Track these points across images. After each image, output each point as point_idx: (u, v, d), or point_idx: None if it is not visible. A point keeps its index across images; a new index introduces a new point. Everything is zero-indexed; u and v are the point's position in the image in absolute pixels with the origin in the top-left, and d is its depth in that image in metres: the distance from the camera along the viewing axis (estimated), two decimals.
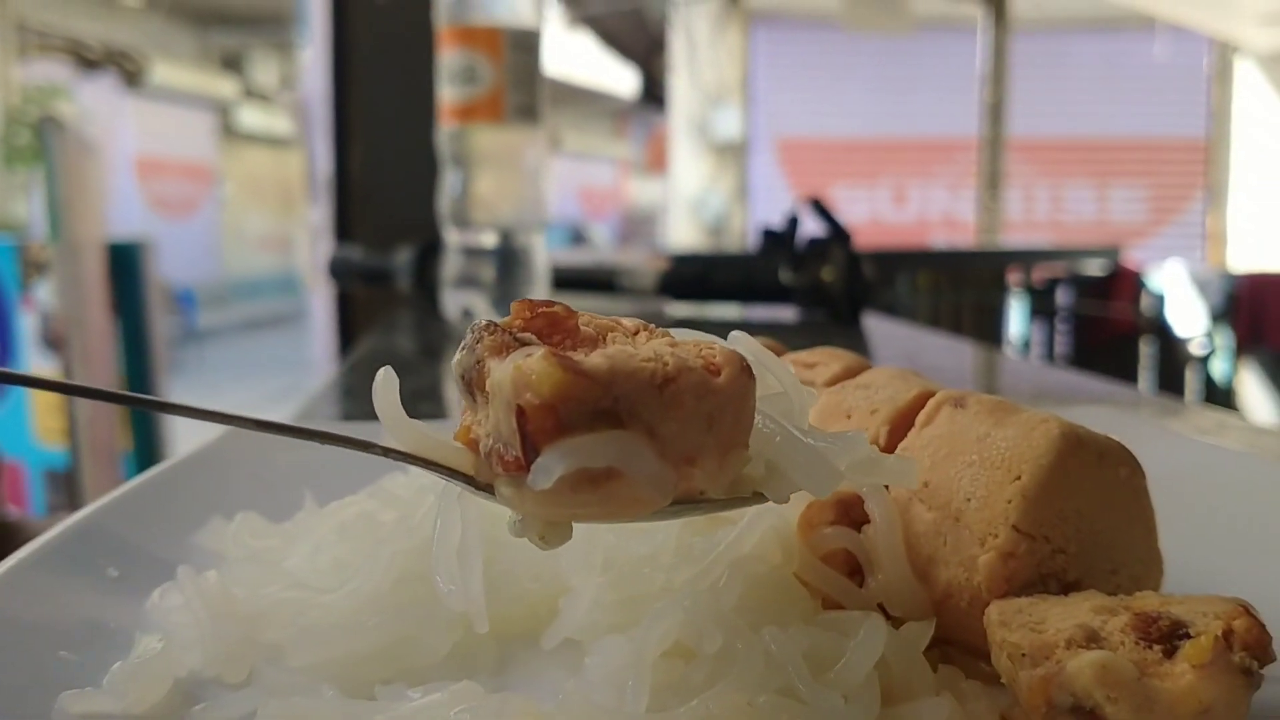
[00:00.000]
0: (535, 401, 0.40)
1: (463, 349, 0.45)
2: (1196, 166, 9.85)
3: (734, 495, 0.46)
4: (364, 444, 0.47)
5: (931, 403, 0.54)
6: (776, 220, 1.73)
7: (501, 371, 0.42)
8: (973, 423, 0.52)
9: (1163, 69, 9.60)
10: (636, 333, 0.46)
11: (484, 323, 0.45)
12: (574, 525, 0.48)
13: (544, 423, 0.41)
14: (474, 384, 0.45)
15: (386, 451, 0.47)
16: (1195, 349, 5.97)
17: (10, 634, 0.52)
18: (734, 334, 0.49)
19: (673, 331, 0.47)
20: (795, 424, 0.48)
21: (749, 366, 0.44)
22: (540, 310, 0.46)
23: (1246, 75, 9.69)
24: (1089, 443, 0.50)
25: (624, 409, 0.41)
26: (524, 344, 0.43)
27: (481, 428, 0.45)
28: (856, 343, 1.66)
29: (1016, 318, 6.12)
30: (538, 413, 0.41)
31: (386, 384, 0.48)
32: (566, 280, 1.78)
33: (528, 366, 0.41)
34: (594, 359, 0.42)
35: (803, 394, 0.51)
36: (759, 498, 0.47)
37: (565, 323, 0.46)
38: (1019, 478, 0.49)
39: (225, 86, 16.14)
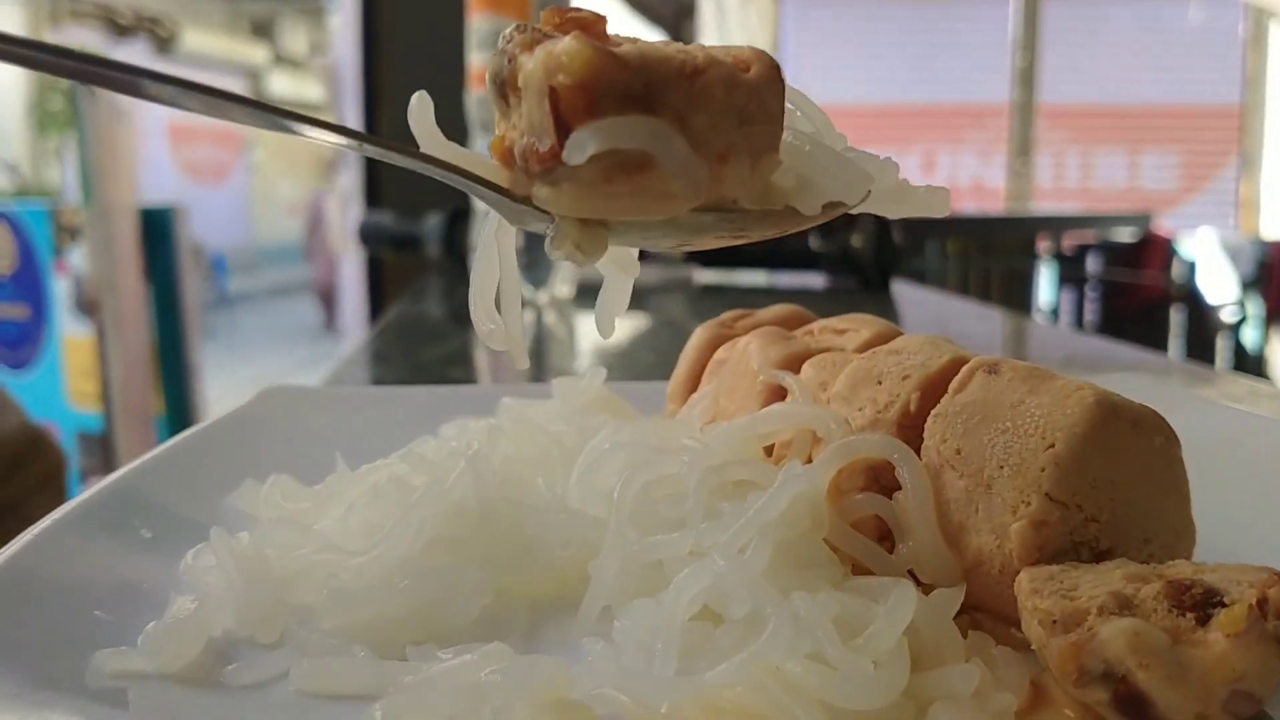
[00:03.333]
0: (567, 81, 0.41)
1: (495, 54, 0.46)
2: (1230, 133, 9.68)
3: (765, 206, 0.47)
4: (404, 149, 0.48)
5: (965, 369, 0.54)
6: None
7: (533, 60, 0.43)
8: (1007, 389, 0.51)
9: (1197, 35, 9.43)
10: (668, 45, 0.47)
11: (516, 25, 0.45)
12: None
13: (576, 102, 0.41)
14: (506, 85, 0.45)
15: (424, 159, 0.47)
16: (1226, 316, 5.89)
17: (47, 594, 0.53)
18: None
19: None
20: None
21: (777, 65, 0.45)
22: (570, 15, 0.46)
23: None
24: (1124, 411, 0.49)
25: (655, 96, 0.42)
26: (557, 38, 0.44)
27: (515, 130, 0.45)
28: (886, 309, 1.65)
29: (1046, 285, 6.07)
30: (570, 92, 0.41)
31: (422, 107, 0.48)
32: None
33: (559, 49, 0.42)
34: (625, 46, 0.43)
35: (834, 135, 0.50)
36: (791, 212, 0.47)
37: (595, 26, 0.46)
38: (1053, 445, 0.48)
39: (255, 53, 16.16)
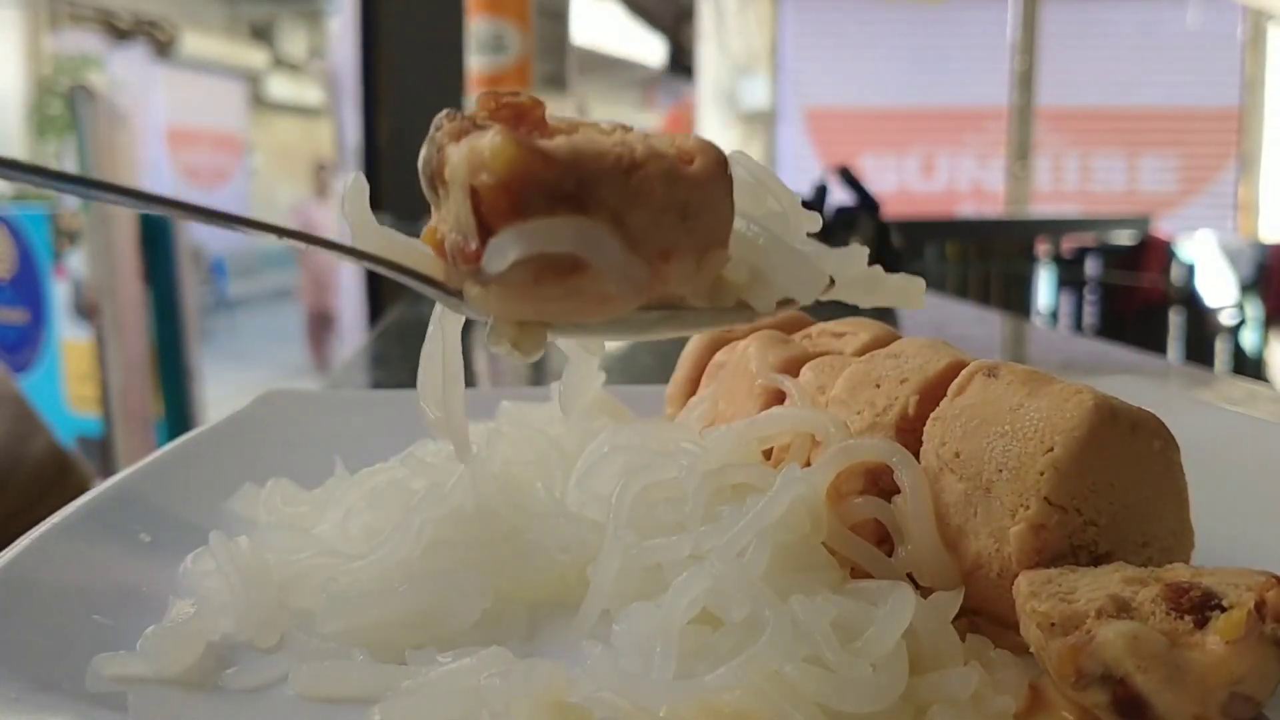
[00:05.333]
0: (489, 181, 0.38)
1: (427, 141, 0.43)
2: (1229, 136, 9.68)
3: (716, 303, 0.44)
4: (334, 245, 0.45)
5: (964, 372, 0.54)
6: (805, 190, 1.72)
7: (457, 154, 0.40)
8: (1006, 393, 0.51)
9: (1195, 37, 9.43)
10: (612, 132, 0.44)
11: (447, 112, 0.43)
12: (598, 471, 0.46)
13: (498, 203, 0.39)
14: (435, 176, 0.43)
15: (355, 254, 0.45)
16: (1225, 319, 5.89)
17: (46, 597, 0.53)
18: (731, 152, 0.47)
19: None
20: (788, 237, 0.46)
21: (724, 157, 0.42)
22: (506, 101, 0.43)
23: None
24: (1123, 415, 0.49)
25: (587, 195, 0.39)
26: (484, 130, 0.41)
27: (445, 224, 0.43)
28: (884, 313, 1.65)
29: (1045, 288, 6.07)
30: (491, 193, 0.39)
31: (356, 190, 0.45)
32: None
33: (481, 144, 0.39)
34: (556, 141, 0.40)
35: (802, 215, 0.48)
36: (744, 307, 0.45)
37: (532, 113, 0.43)
38: (1052, 449, 0.48)
39: (255, 56, 16.15)
